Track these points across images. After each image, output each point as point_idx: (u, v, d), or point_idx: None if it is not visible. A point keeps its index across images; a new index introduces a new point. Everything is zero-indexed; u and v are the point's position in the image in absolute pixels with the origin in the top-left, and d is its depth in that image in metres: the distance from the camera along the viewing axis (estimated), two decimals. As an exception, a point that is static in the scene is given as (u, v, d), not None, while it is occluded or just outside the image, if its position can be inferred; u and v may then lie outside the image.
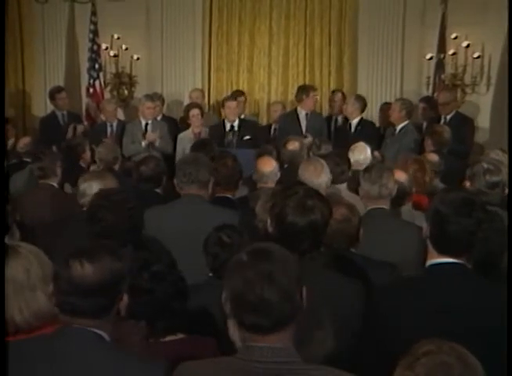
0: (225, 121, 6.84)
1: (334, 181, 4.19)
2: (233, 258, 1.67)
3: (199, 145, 5.18)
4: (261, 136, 6.89)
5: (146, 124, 7.04)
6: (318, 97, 7.53)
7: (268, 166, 4.39)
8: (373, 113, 7.65)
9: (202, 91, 8.07)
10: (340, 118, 7.49)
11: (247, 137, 6.69)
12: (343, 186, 4.34)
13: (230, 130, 6.76)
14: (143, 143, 6.84)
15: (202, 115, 7.04)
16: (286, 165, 5.09)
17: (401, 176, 3.83)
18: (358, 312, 2.21)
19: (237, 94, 7.79)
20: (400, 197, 3.64)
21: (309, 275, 2.08)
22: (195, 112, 6.94)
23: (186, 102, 7.81)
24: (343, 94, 7.70)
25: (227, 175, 4.01)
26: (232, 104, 6.80)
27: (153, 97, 7.20)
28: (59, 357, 1.77)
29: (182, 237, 3.14)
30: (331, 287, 2.22)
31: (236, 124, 6.81)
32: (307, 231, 2.18)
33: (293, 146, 5.20)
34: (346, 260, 2.78)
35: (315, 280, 2.06)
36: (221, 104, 7.38)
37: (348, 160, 4.61)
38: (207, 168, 3.55)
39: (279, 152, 5.30)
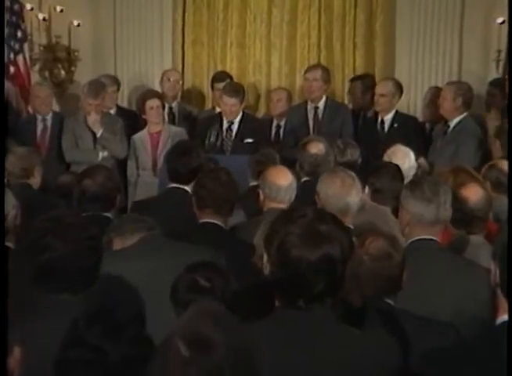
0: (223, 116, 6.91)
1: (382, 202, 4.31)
2: (165, 342, 1.75)
3: (179, 150, 5.16)
4: (263, 138, 6.95)
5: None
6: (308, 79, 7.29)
7: (284, 178, 4.41)
8: (417, 106, 7.74)
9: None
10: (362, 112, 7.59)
11: (249, 140, 6.74)
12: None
13: (228, 128, 6.84)
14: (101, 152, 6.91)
15: (164, 107, 7.08)
16: (305, 178, 5.12)
17: (476, 192, 3.87)
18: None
19: (221, 77, 7.80)
20: (470, 222, 3.71)
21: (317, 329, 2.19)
22: (154, 103, 6.94)
23: (157, 88, 7.83)
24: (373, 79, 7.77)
25: (220, 195, 4.05)
26: (229, 101, 6.80)
27: (97, 90, 7.05)
28: None
29: (143, 283, 3.15)
30: (344, 343, 2.25)
31: (236, 120, 6.88)
32: (321, 268, 2.19)
33: (316, 148, 5.24)
34: (375, 312, 2.79)
35: (321, 337, 2.16)
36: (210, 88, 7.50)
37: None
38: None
39: (291, 159, 5.35)
